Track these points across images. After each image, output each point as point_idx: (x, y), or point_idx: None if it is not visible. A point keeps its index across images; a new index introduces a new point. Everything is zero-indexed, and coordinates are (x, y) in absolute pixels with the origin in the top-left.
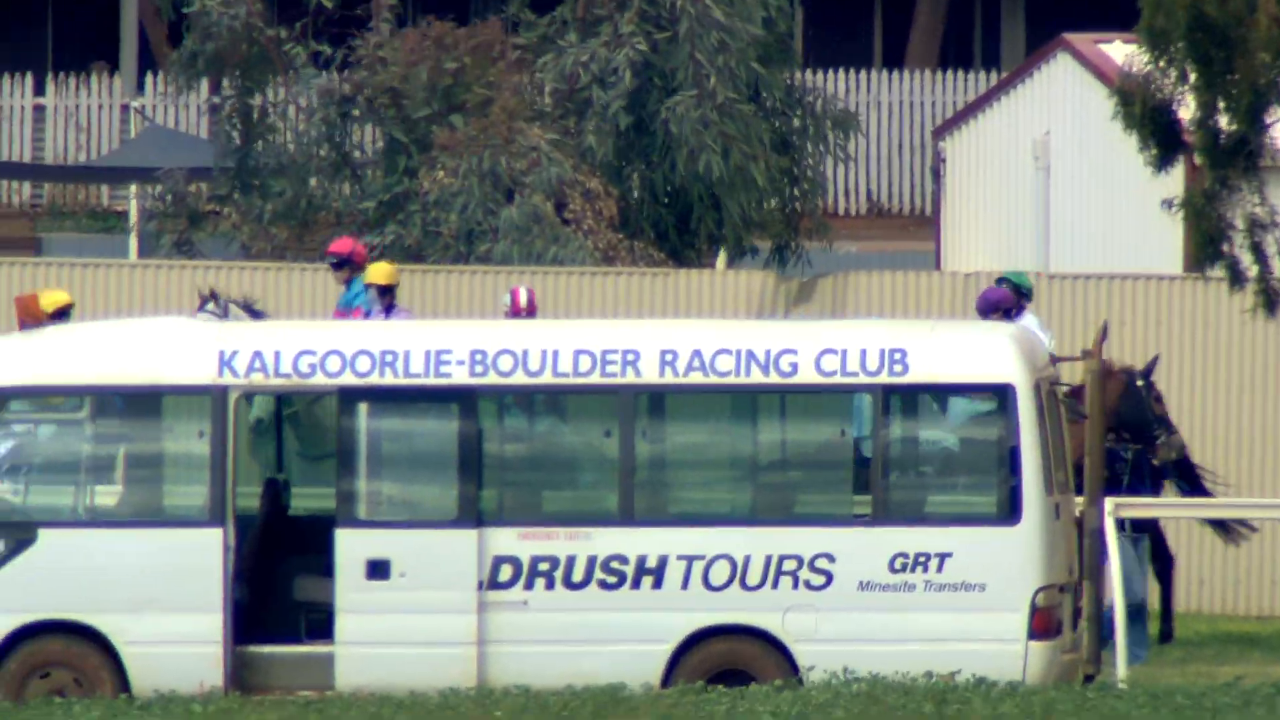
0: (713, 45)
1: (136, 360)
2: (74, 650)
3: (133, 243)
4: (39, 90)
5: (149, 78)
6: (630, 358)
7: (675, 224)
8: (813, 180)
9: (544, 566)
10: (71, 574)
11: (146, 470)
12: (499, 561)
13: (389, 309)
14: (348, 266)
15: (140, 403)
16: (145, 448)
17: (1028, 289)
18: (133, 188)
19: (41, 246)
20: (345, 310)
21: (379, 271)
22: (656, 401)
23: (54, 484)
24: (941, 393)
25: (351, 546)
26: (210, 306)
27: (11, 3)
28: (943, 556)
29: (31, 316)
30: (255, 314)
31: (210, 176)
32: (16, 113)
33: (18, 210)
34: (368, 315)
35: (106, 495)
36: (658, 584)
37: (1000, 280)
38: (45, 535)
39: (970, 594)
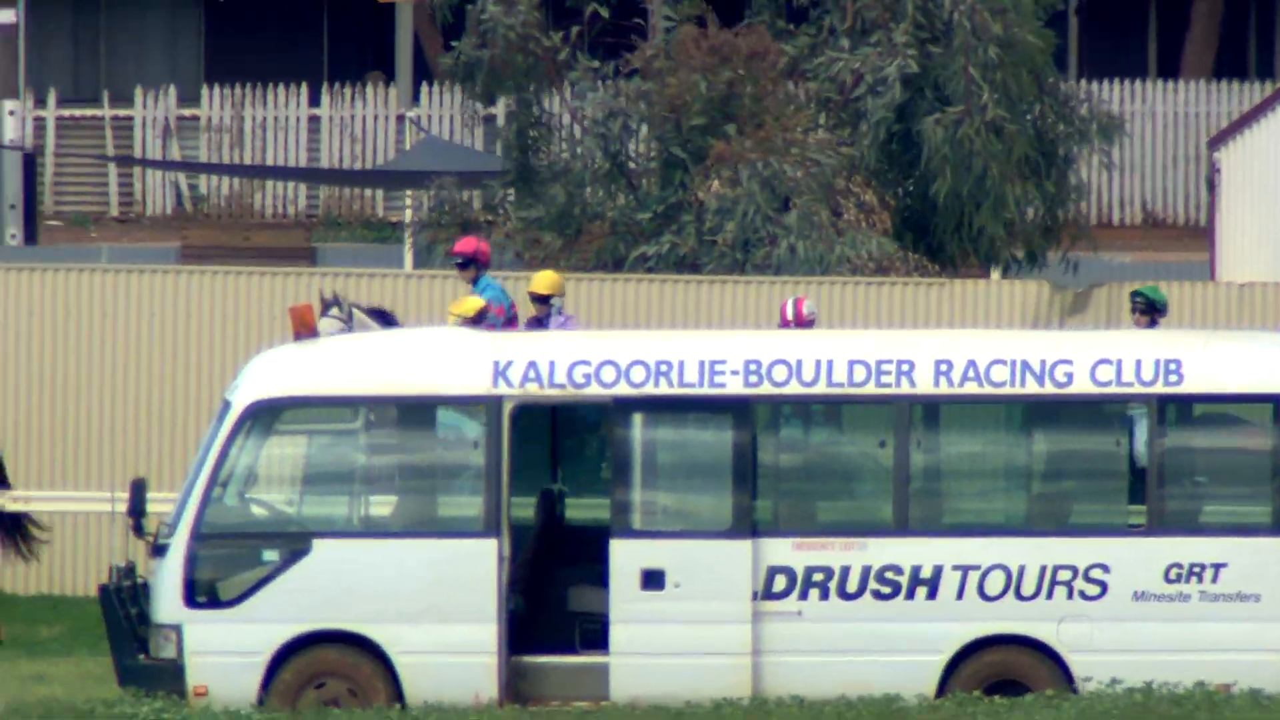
0: (991, 59)
1: (411, 370)
2: (348, 660)
3: (407, 252)
4: (314, 101)
5: (424, 88)
6: (905, 368)
7: (944, 234)
8: (1077, 189)
9: (818, 577)
10: (346, 584)
11: (421, 480)
12: (774, 572)
13: (545, 318)
14: (473, 266)
15: (415, 413)
16: (419, 458)
17: (1162, 303)
18: (407, 198)
19: (316, 256)
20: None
21: (541, 281)
22: (931, 412)
23: (328, 494)
24: (1216, 403)
25: (626, 557)
26: (334, 312)
27: (288, 15)
28: (1218, 567)
29: (306, 327)
30: (386, 320)
31: (483, 185)
32: (292, 123)
33: (293, 220)
34: (509, 314)
35: (381, 505)
36: (932, 594)
37: (1135, 294)
38: (320, 545)
39: (1245, 604)
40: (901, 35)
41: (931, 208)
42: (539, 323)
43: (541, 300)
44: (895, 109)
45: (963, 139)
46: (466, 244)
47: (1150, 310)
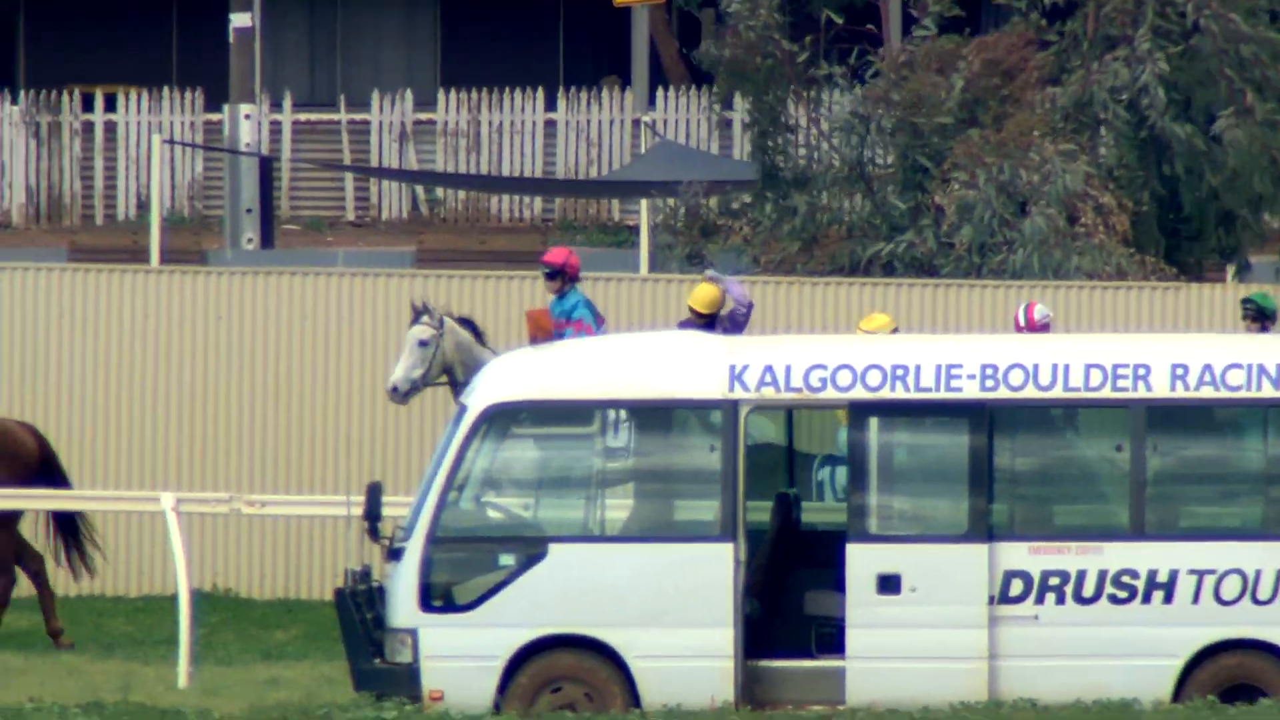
0: (1247, 57)
1: (647, 374)
2: (584, 664)
3: (643, 256)
4: (550, 105)
5: (660, 92)
6: (1141, 372)
7: (1185, 239)
8: None
9: (1054, 581)
10: (581, 588)
11: (656, 485)
12: (1010, 576)
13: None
14: (560, 277)
15: (651, 417)
16: (655, 462)
17: (1272, 310)
18: (643, 203)
19: None
20: (561, 320)
21: (703, 299)
22: (1167, 416)
23: (564, 498)
24: None
25: (862, 561)
26: (425, 319)
27: (524, 18)
28: None
29: (542, 331)
30: (474, 330)
31: (721, 190)
32: (529, 128)
33: (529, 224)
34: (595, 325)
35: (617, 510)
36: (1168, 598)
37: (1246, 301)
38: (555, 550)
39: None
40: (1143, 42)
41: (1174, 211)
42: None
43: (703, 321)
44: (1137, 111)
45: (1236, 140)
46: (556, 254)
47: (1260, 317)
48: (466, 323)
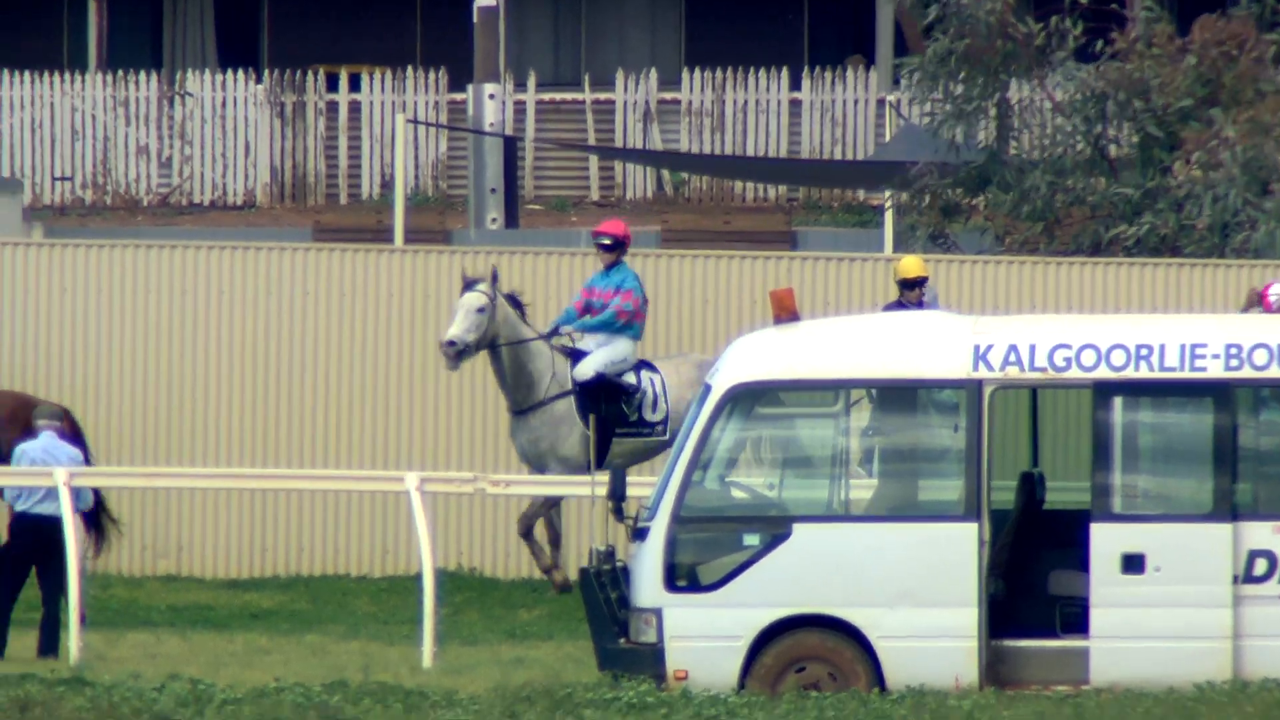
0: None
1: (892, 354)
2: (829, 644)
3: (887, 236)
4: (795, 85)
5: (904, 72)
6: None
7: None
8: None
9: None
10: (825, 568)
11: (900, 465)
12: (1254, 555)
13: (918, 303)
14: (620, 249)
15: (895, 397)
16: (899, 442)
17: None
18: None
19: (797, 240)
20: (609, 291)
21: (912, 265)
22: None
23: (808, 478)
24: None
25: (1106, 540)
26: (481, 287)
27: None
28: None
29: (786, 311)
30: (519, 304)
31: (959, 171)
32: (773, 107)
33: (774, 204)
34: (641, 299)
35: (860, 489)
36: None
37: None
38: (800, 530)
39: None
40: None
41: None
42: (901, 306)
43: (911, 285)
44: None
45: None
46: (615, 226)
47: None
48: (512, 298)
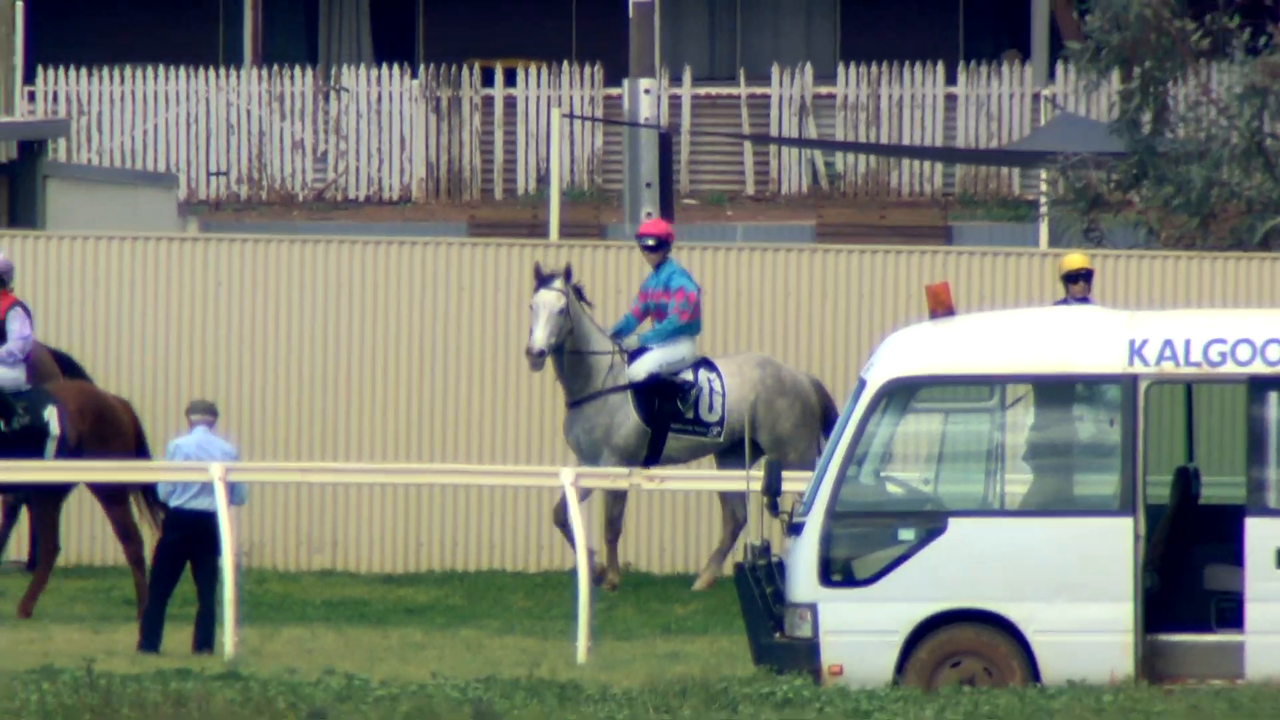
0: None
1: (1046, 349)
2: (984, 639)
3: (1042, 231)
4: (950, 79)
5: (1060, 66)
6: None
7: None
8: None
9: None
10: (980, 563)
11: (1055, 459)
12: None
13: (1084, 298)
14: (665, 248)
15: (1050, 391)
16: (1054, 436)
17: None
18: (1043, 175)
19: (952, 235)
20: (658, 290)
21: (1077, 258)
22: None
23: (962, 472)
24: None
25: (1261, 535)
26: (557, 284)
27: None
28: None
29: (942, 305)
30: (582, 296)
31: (1111, 163)
32: (929, 101)
33: (929, 199)
34: (696, 290)
35: (1015, 484)
36: None
37: None
38: (955, 524)
39: None
40: None
41: None
42: (1070, 303)
43: (1074, 278)
44: None
45: None
46: (658, 226)
47: None
48: (579, 292)
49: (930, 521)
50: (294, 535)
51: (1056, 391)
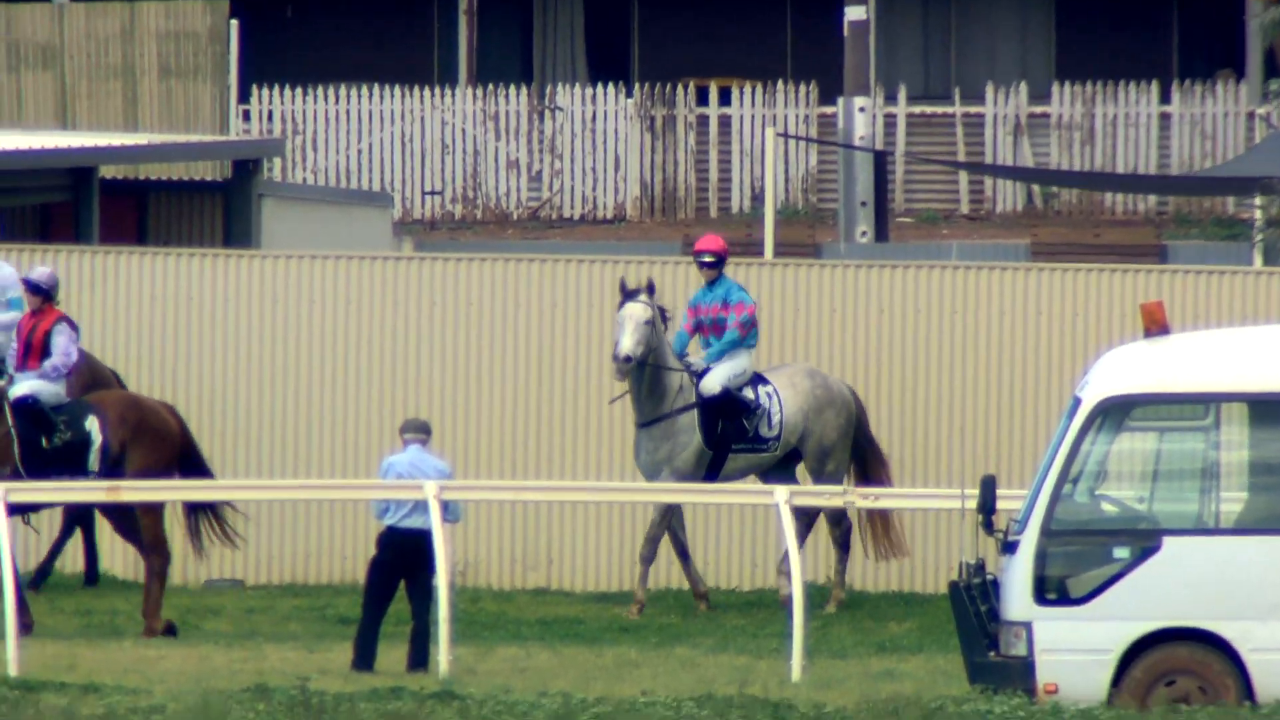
0: None
1: (1262, 367)
2: (1198, 658)
3: (1256, 250)
4: (1165, 98)
5: (1275, 85)
6: None
7: None
8: None
9: None
10: (1195, 582)
11: (1272, 478)
12: None
13: None
14: (721, 265)
15: (1266, 409)
16: (1270, 455)
17: None
18: (1257, 201)
19: (1166, 253)
20: (715, 306)
21: None
22: None
23: (1178, 491)
24: None
25: None
26: (643, 298)
27: (1139, 11)
28: None
29: (1156, 324)
30: (665, 317)
31: None
32: (1143, 120)
33: (1143, 218)
34: (754, 305)
35: (1231, 503)
36: None
37: None
38: (1170, 543)
39: None
40: None
41: None
42: None
43: None
44: None
45: None
46: (714, 242)
47: None
48: (661, 310)
49: (1145, 540)
50: (508, 553)
51: (1273, 410)
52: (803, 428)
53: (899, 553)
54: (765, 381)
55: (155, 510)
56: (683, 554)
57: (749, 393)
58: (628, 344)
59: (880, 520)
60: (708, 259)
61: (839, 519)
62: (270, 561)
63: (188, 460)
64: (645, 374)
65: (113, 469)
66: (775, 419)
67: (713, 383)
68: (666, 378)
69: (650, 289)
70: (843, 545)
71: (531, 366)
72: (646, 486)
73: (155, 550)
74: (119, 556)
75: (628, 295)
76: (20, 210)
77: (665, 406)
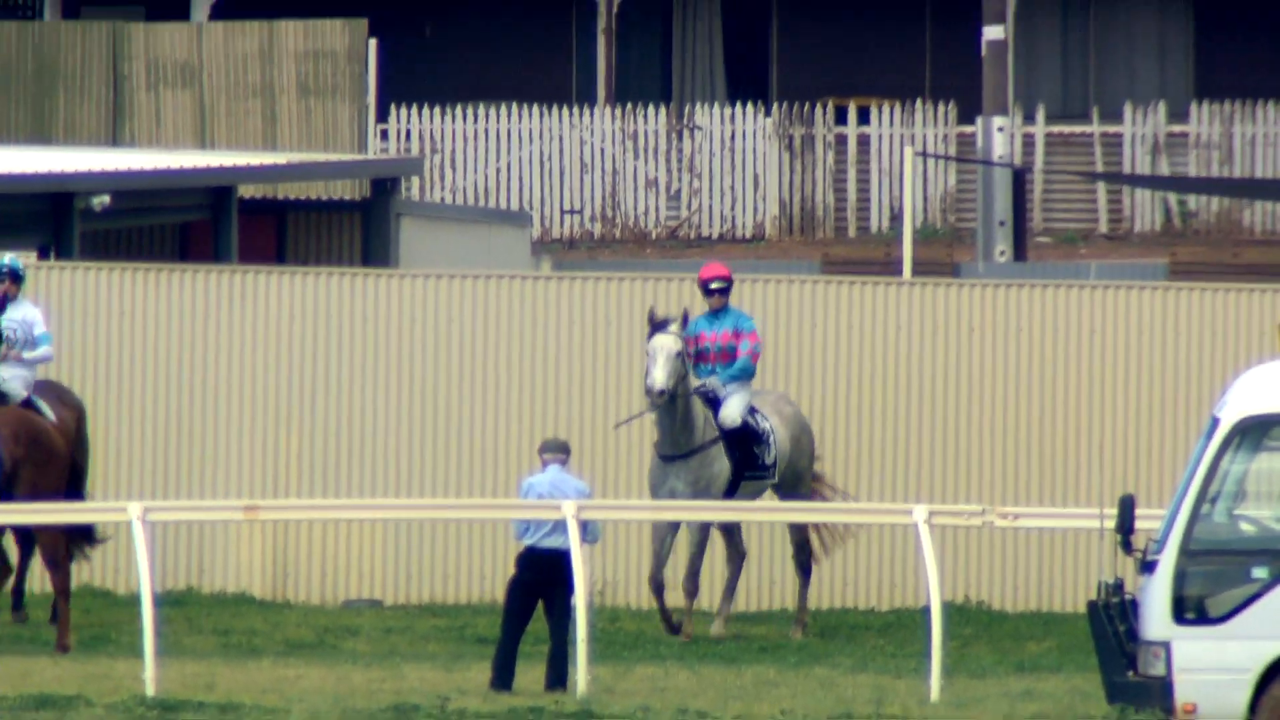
0: None
1: None
2: None
3: None
4: None
5: None
6: None
7: None
8: None
9: None
10: None
11: None
12: None
13: None
14: (727, 292)
15: None
16: None
17: None
18: None
19: None
20: (723, 333)
21: None
22: None
23: None
24: None
25: None
26: (673, 329)
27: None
28: None
29: None
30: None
31: None
32: None
33: None
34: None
35: None
36: None
37: None
38: None
39: None
40: None
41: None
42: None
43: None
44: None
45: None
46: (720, 269)
47: None
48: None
49: None
50: (647, 573)
51: None
52: (791, 454)
53: (826, 553)
54: (755, 410)
55: (53, 529)
56: (694, 573)
57: (762, 423)
58: (660, 377)
59: (813, 529)
60: (716, 285)
61: (802, 544)
62: (409, 581)
63: (71, 484)
64: (678, 406)
65: (5, 487)
66: (774, 446)
67: (734, 414)
68: (695, 408)
69: (684, 320)
70: (804, 569)
71: None
72: (784, 506)
73: (55, 567)
74: (257, 576)
75: (657, 326)
76: (160, 229)
77: (698, 438)
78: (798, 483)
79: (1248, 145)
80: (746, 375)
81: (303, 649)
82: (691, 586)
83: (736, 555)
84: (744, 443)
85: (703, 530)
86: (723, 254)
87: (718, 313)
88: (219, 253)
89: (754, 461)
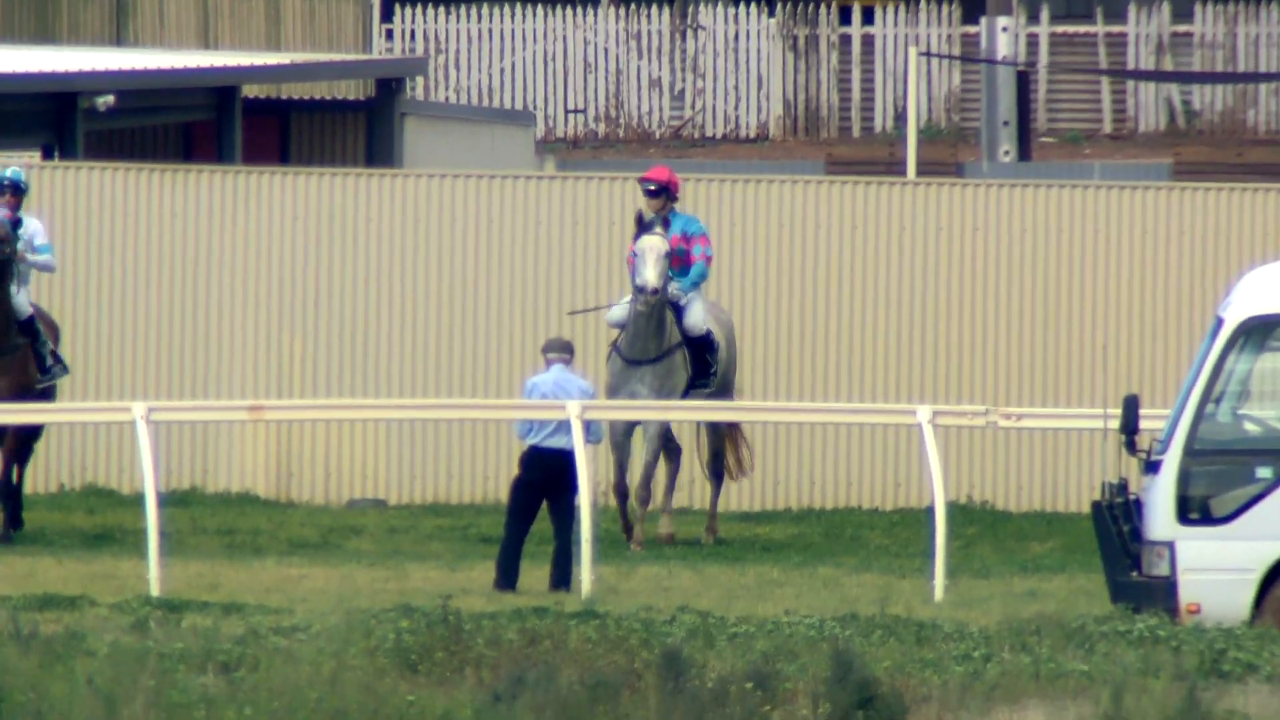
0: None
1: None
2: None
3: None
4: None
5: None
6: None
7: None
8: None
9: None
10: None
11: None
12: None
13: None
14: (665, 195)
15: None
16: None
17: None
18: None
19: None
20: (673, 238)
21: None
22: None
23: None
24: None
25: None
26: (658, 231)
27: None
28: None
29: None
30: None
31: None
32: None
33: None
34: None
35: None
36: None
37: None
38: None
39: None
40: None
41: None
42: None
43: None
44: None
45: None
46: (660, 173)
47: None
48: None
49: None
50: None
51: None
52: (726, 361)
53: (744, 473)
54: None
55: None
56: (646, 500)
57: (713, 331)
58: (652, 276)
59: (731, 441)
60: (649, 187)
61: (717, 453)
62: (413, 481)
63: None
64: (656, 309)
65: None
66: (719, 355)
67: (699, 320)
68: (667, 314)
69: (666, 223)
70: (717, 476)
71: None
72: (787, 406)
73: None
74: (261, 476)
75: (643, 228)
76: (164, 130)
77: (666, 343)
78: (725, 391)
79: (1251, 45)
80: (703, 280)
81: (307, 549)
82: (645, 494)
83: (675, 453)
84: (700, 351)
85: (660, 439)
86: (726, 154)
87: (666, 217)
88: (223, 153)
89: (706, 370)
